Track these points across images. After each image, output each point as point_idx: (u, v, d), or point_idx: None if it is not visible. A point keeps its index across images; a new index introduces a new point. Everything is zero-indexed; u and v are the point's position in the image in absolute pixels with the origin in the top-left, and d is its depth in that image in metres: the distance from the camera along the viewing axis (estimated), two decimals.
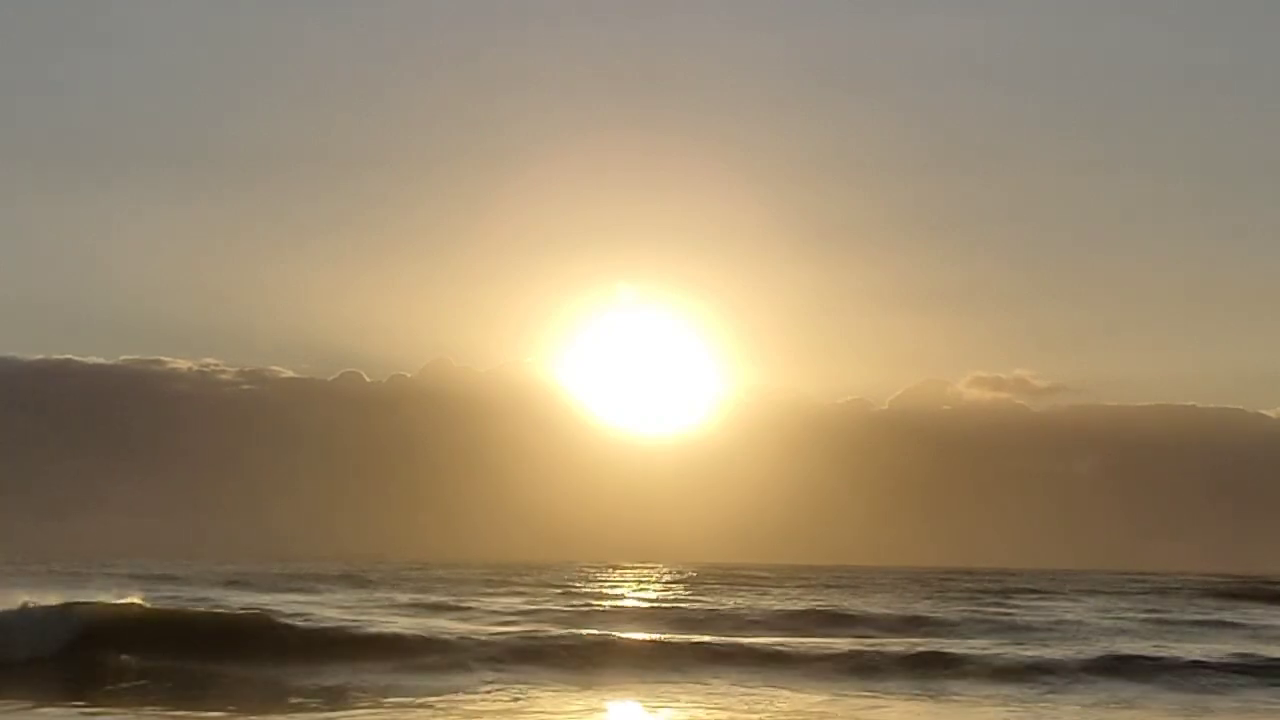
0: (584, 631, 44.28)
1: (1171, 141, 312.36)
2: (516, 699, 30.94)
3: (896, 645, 41.88)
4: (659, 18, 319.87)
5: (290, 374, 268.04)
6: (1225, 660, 39.53)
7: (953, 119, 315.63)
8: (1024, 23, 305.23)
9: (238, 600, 60.23)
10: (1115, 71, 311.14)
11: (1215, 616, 63.73)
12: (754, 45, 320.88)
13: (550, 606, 62.63)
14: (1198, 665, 38.37)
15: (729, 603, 68.01)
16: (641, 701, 31.62)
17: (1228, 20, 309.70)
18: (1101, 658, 39.58)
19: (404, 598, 67.84)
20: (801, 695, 32.25)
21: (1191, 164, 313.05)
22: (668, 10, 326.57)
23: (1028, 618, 59.24)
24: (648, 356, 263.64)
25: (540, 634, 42.74)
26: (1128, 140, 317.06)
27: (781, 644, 41.65)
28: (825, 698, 31.88)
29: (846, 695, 32.39)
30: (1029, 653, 40.66)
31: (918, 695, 32.74)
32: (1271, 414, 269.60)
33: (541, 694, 31.87)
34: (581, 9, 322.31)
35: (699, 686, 33.64)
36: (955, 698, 32.63)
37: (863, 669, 37.00)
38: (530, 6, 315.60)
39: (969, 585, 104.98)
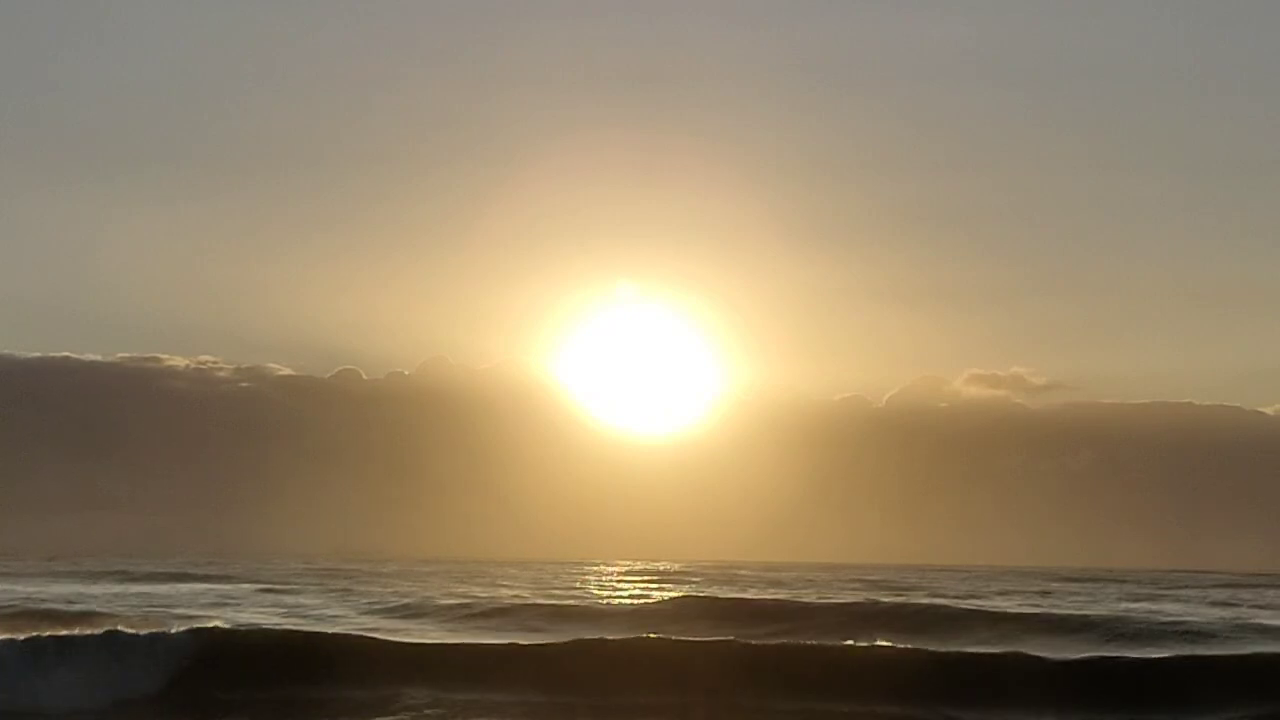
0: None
1: (1171, 141, 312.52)
2: None
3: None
4: (658, 15, 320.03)
5: (287, 371, 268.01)
6: None
7: (952, 118, 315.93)
8: (1024, 23, 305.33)
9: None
10: (1115, 71, 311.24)
11: None
12: (753, 43, 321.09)
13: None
14: None
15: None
16: None
17: (1228, 20, 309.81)
18: None
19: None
20: None
21: (1191, 163, 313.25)
22: (666, 8, 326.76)
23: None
24: (645, 354, 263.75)
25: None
26: (1127, 140, 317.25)
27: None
28: None
29: None
30: None
31: None
32: (1269, 411, 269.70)
33: None
34: (581, 7, 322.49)
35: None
36: None
37: None
38: (529, 4, 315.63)
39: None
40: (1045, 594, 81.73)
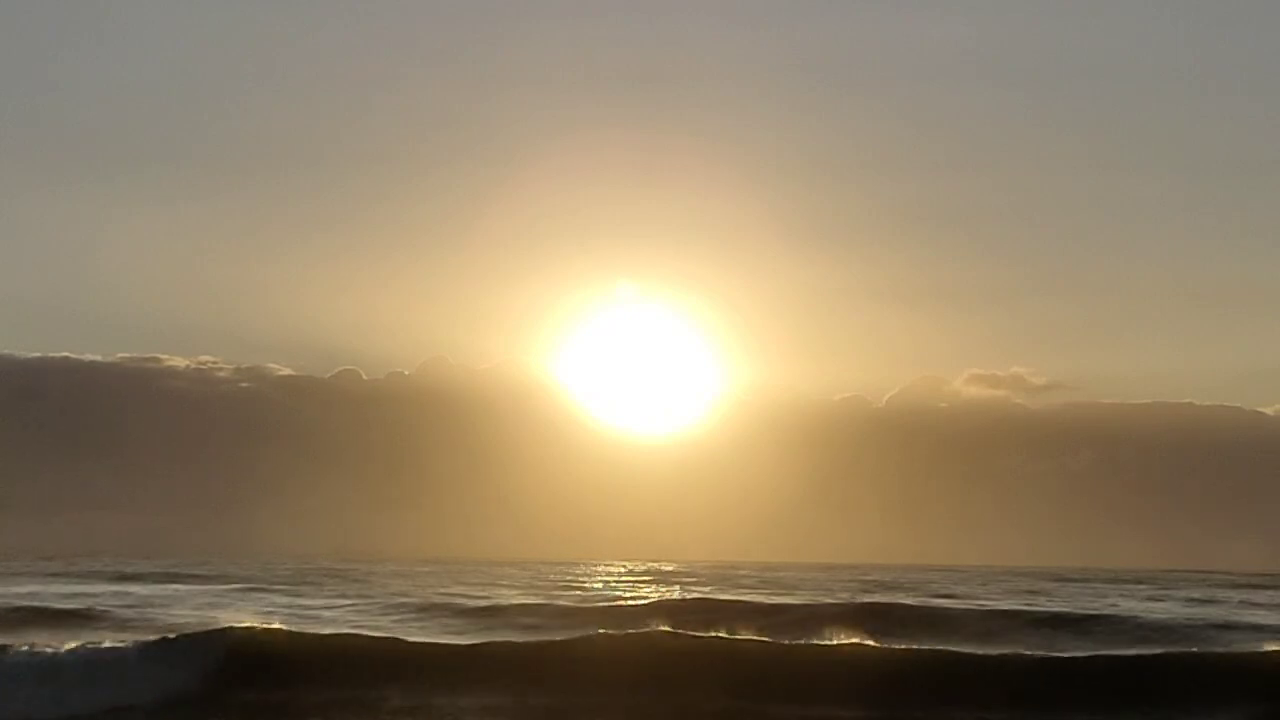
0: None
1: (1171, 141, 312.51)
2: None
3: None
4: (657, 14, 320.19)
5: (287, 371, 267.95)
6: None
7: (952, 118, 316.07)
8: (1024, 23, 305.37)
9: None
10: (1115, 71, 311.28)
11: None
12: (753, 42, 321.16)
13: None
14: None
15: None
16: None
17: (1228, 20, 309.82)
18: None
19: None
20: None
21: (1190, 163, 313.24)
22: (666, 8, 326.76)
23: None
24: (645, 354, 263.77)
25: None
26: (1127, 140, 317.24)
27: None
28: None
29: None
30: None
31: None
32: (1269, 411, 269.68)
33: None
34: (581, 7, 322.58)
35: None
36: None
37: None
38: (529, 4, 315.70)
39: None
40: (1036, 593, 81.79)
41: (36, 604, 58.18)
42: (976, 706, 34.88)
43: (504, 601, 62.16)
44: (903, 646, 39.92)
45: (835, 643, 39.59)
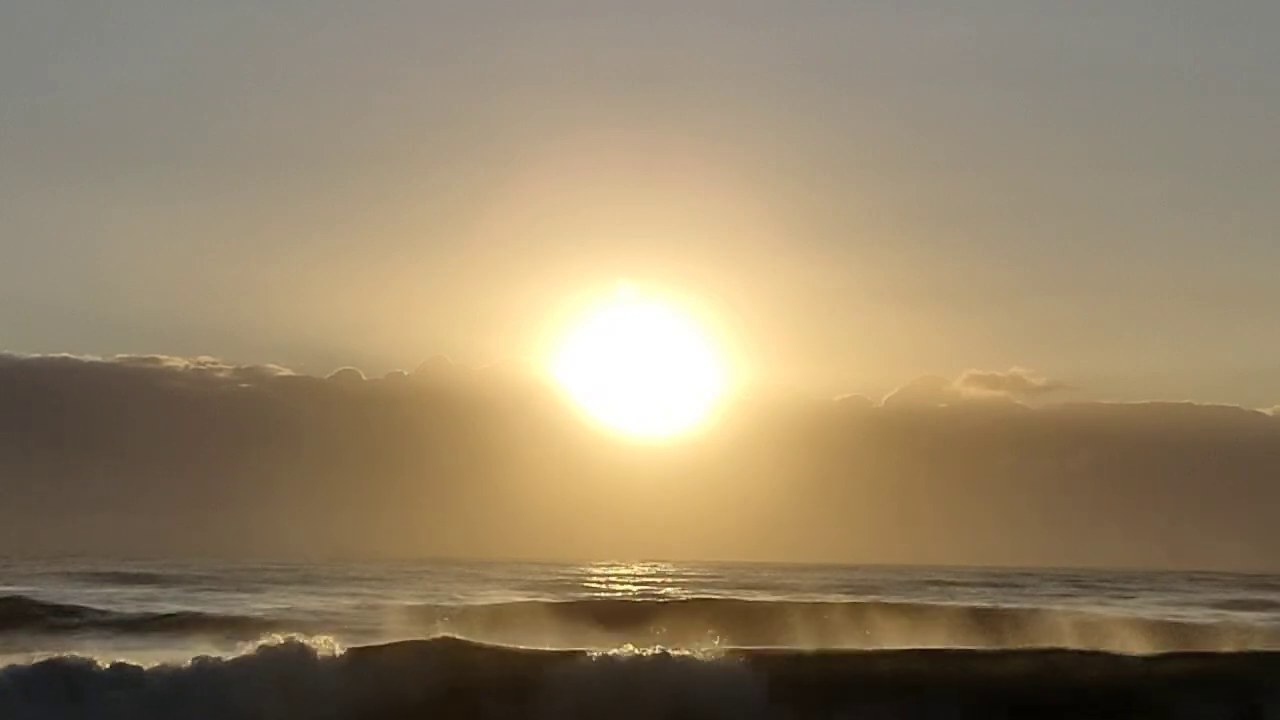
0: None
1: (1170, 141, 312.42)
2: None
3: None
4: (658, 15, 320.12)
5: (287, 372, 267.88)
6: None
7: (952, 118, 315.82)
8: (1024, 23, 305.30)
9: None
10: (1115, 71, 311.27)
11: None
12: (753, 43, 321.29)
13: None
14: None
15: None
16: None
17: (1228, 20, 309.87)
18: None
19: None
20: None
21: (1191, 163, 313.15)
22: (666, 8, 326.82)
23: None
24: (645, 354, 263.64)
25: None
26: (1127, 140, 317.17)
27: None
28: None
29: None
30: None
31: None
32: (1268, 412, 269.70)
33: None
34: (581, 7, 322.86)
35: None
36: None
37: None
38: (529, 4, 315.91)
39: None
40: (1013, 589, 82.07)
41: (40, 608, 58.29)
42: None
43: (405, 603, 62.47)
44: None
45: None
